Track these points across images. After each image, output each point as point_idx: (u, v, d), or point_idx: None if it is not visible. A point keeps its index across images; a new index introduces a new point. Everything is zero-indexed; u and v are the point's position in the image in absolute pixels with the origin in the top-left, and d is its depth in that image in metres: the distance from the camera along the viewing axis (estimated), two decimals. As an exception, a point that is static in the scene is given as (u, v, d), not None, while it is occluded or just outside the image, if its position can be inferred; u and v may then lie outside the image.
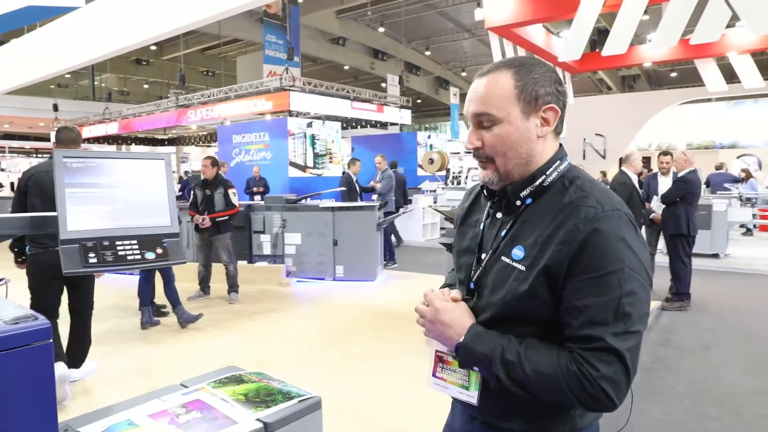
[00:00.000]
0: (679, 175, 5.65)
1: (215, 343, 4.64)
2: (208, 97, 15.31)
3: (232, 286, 6.06)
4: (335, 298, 6.09)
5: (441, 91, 31.04)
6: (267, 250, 7.19)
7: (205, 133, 23.80)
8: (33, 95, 21.17)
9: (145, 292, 5.07)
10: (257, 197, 10.65)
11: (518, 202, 1.12)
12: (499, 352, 1.03)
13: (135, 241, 1.61)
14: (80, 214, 1.54)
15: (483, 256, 1.17)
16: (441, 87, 31.03)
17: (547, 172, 1.11)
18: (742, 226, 10.89)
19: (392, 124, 16.89)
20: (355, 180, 8.08)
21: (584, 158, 18.97)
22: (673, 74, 24.43)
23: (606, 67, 18.36)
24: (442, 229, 11.72)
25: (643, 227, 6.34)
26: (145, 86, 29.56)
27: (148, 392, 2.07)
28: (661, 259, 6.71)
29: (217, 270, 6.21)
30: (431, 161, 13.80)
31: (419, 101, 31.25)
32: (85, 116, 21.37)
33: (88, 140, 21.47)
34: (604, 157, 19.11)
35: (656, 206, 5.98)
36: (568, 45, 8.69)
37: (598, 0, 8.11)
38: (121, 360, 4.24)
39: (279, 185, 11.91)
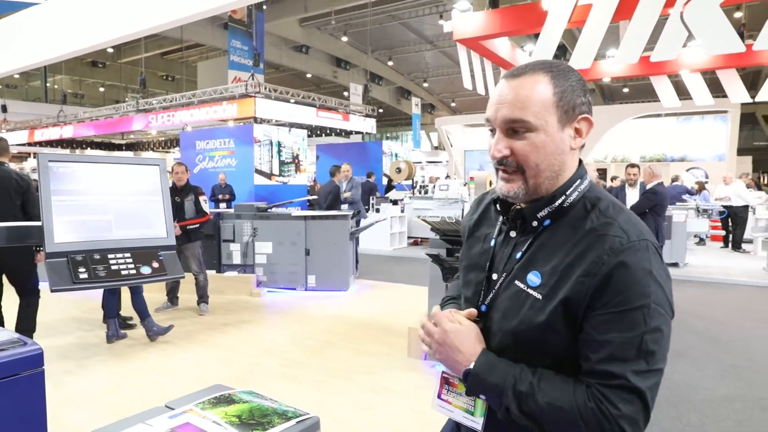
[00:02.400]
0: (648, 186, 5.81)
1: (188, 358, 4.44)
2: (171, 101, 14.92)
3: (202, 297, 5.84)
4: (309, 309, 5.95)
5: (403, 101, 31.28)
6: (237, 259, 6.99)
7: (164, 138, 23.19)
8: (-24, 95, 20.24)
9: (111, 303, 4.81)
10: (222, 205, 10.42)
11: (535, 223, 1.05)
12: (511, 382, 0.97)
13: (129, 254, 1.50)
14: (68, 224, 1.42)
15: (495, 276, 1.09)
16: (403, 97, 31.29)
17: (567, 192, 1.03)
18: (696, 236, 11.32)
19: (357, 132, 16.86)
20: (344, 189, 7.99)
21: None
22: (626, 90, 25.40)
23: (567, 81, 18.89)
24: (409, 238, 11.72)
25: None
26: (101, 89, 28.65)
27: (129, 415, 1.93)
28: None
29: (186, 280, 5.98)
30: (399, 170, 13.81)
31: (381, 110, 31.39)
32: (36, 118, 20.49)
33: (40, 143, 20.59)
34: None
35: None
36: (534, 59, 8.86)
37: (564, 16, 8.33)
38: (88, 378, 3.99)
39: (244, 193, 11.68)
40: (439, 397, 1.14)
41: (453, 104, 33.14)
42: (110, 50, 23.20)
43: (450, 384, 1.12)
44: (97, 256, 1.44)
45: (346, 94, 20.25)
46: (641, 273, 0.93)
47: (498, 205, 1.12)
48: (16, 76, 22.01)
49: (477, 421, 1.07)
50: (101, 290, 5.14)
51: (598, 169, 19.00)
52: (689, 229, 9.36)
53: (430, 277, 4.06)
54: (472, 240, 1.21)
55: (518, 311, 1.01)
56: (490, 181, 10.20)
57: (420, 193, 13.33)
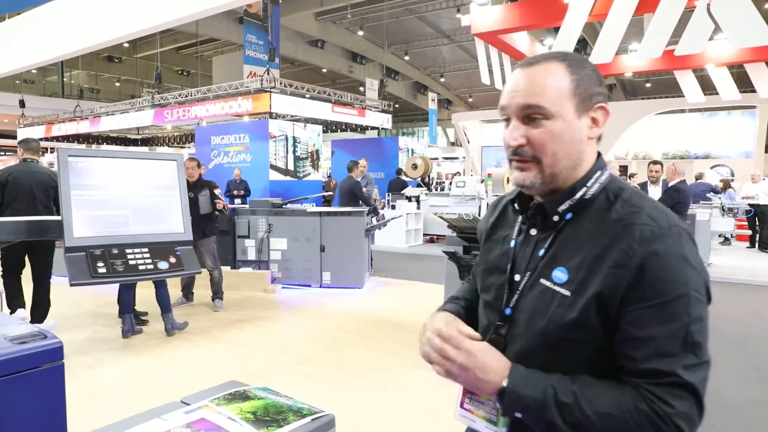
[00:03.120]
0: (670, 184, 5.70)
1: (203, 354, 4.44)
2: (186, 96, 14.98)
3: (217, 293, 5.85)
4: (323, 306, 5.93)
5: (419, 96, 31.16)
6: (252, 255, 6.99)
7: (179, 133, 23.34)
8: (-4, 90, 20.51)
9: (127, 299, 4.83)
10: (238, 200, 10.44)
11: (556, 218, 1.01)
12: (551, 393, 0.90)
13: (146, 250, 1.47)
14: (87, 218, 1.40)
15: (517, 277, 1.04)
16: (419, 92, 31.17)
17: (588, 184, 0.99)
18: (720, 235, 11.11)
19: (372, 128, 16.81)
20: (364, 186, 7.96)
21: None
22: (648, 84, 25.02)
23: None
24: (425, 235, 11.67)
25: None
26: (117, 84, 28.93)
27: (145, 410, 1.91)
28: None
29: (201, 275, 5.99)
30: (414, 167, 13.74)
31: (397, 106, 31.31)
32: (54, 113, 20.71)
33: (57, 138, 20.83)
34: (581, 165, 19.39)
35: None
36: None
37: (584, 9, 8.19)
38: (104, 372, 4.01)
39: (259, 188, 11.69)
40: (461, 406, 1.08)
41: (470, 99, 32.95)
42: (126, 45, 23.44)
43: (473, 393, 1.06)
44: (115, 251, 1.42)
45: (362, 89, 20.20)
46: (676, 260, 0.89)
47: (516, 204, 1.09)
48: (34, 71, 22.25)
49: (500, 431, 1.02)
50: (117, 285, 5.18)
51: (620, 167, 18.71)
52: (713, 228, 9.17)
53: (446, 274, 4.01)
54: (491, 243, 1.17)
55: (546, 310, 0.96)
56: (508, 178, 10.10)
57: (437, 189, 13.26)
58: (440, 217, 3.91)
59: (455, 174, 17.95)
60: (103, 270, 1.36)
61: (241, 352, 4.46)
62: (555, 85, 0.97)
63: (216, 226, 5.89)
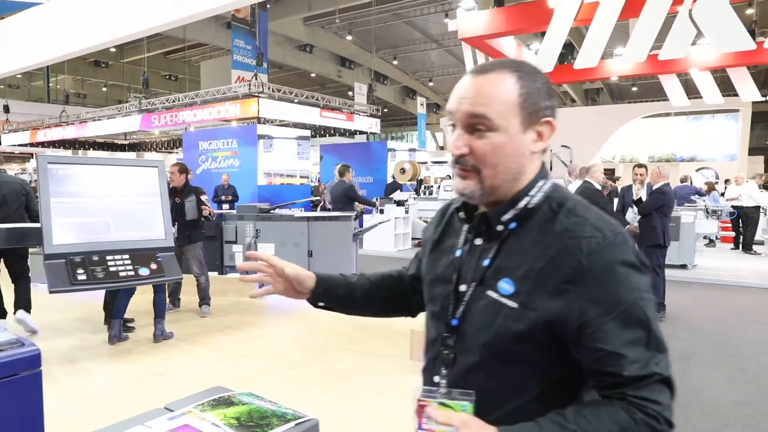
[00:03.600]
0: (655, 187, 5.76)
1: (189, 360, 4.42)
2: (173, 101, 14.92)
3: (204, 299, 5.81)
4: (310, 311, 5.80)
5: (408, 101, 31.26)
6: (239, 260, 6.97)
7: (167, 138, 23.22)
8: (-20, 95, 20.29)
9: (123, 304, 4.76)
10: (225, 206, 10.40)
11: (500, 227, 1.00)
12: None
13: (127, 256, 1.48)
14: (67, 226, 1.40)
15: (463, 287, 1.03)
16: (408, 96, 31.26)
17: (531, 193, 0.99)
18: (705, 237, 11.23)
19: (361, 132, 16.83)
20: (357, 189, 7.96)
21: (551, 169, 19.37)
22: (635, 88, 25.30)
23: (574, 80, 18.83)
24: (413, 239, 11.69)
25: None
26: (104, 89, 28.72)
27: (129, 417, 1.90)
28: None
29: (188, 281, 5.96)
30: (403, 171, 13.77)
31: (386, 110, 31.38)
32: (39, 119, 20.52)
33: (43, 144, 20.63)
34: (569, 168, 19.54)
35: (631, 218, 6.08)
36: (540, 57, 8.81)
37: (570, 14, 8.28)
38: (88, 379, 3.96)
39: (248, 194, 11.66)
40: (420, 428, 1.02)
41: (458, 104, 33.08)
42: (113, 50, 23.25)
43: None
44: (95, 258, 1.42)
45: (350, 93, 20.24)
46: (625, 268, 0.90)
47: (462, 214, 1.07)
48: (19, 76, 22.04)
49: None
50: (102, 292, 5.14)
51: (605, 170, 18.91)
52: (698, 231, 9.27)
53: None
54: (437, 252, 1.14)
55: (493, 322, 0.96)
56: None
57: (425, 193, 13.29)
58: (426, 221, 3.92)
59: (444, 178, 18.01)
60: (83, 277, 1.36)
61: (228, 358, 4.44)
62: (503, 96, 0.96)
63: (202, 232, 5.87)
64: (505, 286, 0.95)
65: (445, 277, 1.07)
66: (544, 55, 8.61)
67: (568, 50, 15.38)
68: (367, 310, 1.38)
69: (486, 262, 1.00)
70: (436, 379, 1.06)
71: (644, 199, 5.90)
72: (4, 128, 20.93)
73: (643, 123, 20.97)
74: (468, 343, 1.00)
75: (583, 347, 0.90)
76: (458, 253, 1.06)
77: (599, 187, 5.90)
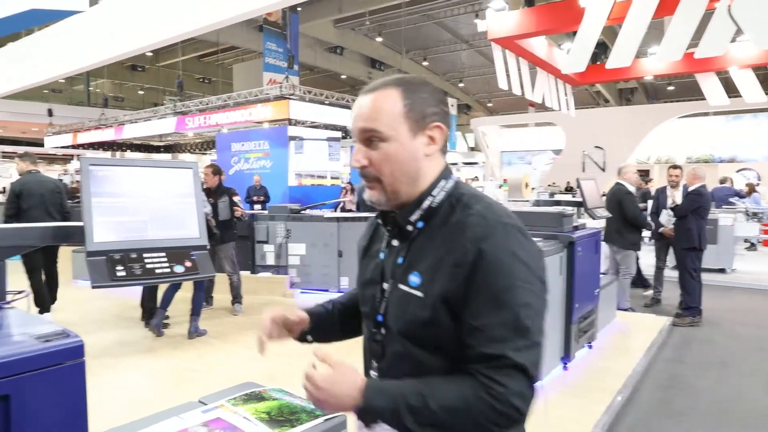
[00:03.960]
0: (691, 189, 5.63)
1: (222, 356, 4.54)
2: (207, 104, 15.24)
3: (236, 297, 5.95)
4: (340, 310, 5.96)
5: (438, 102, 31.12)
6: (270, 260, 7.09)
7: (201, 140, 23.70)
8: (27, 100, 21.02)
9: (170, 295, 5.02)
10: (257, 206, 10.57)
11: (409, 227, 1.09)
12: (402, 401, 0.96)
13: (163, 254, 1.53)
14: (107, 224, 1.46)
15: (385, 286, 1.12)
16: (438, 97, 31.14)
17: (433, 193, 1.08)
18: (746, 240, 10.90)
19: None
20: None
21: (583, 170, 19.04)
22: (671, 87, 24.67)
23: (607, 80, 18.48)
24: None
25: (653, 241, 6.34)
26: (140, 92, 29.49)
27: (165, 409, 1.98)
28: (669, 273, 6.68)
29: (220, 280, 6.10)
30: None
31: (416, 111, 31.37)
32: (80, 122, 21.21)
33: (83, 146, 21.31)
34: (603, 169, 19.18)
35: (666, 220, 5.96)
36: (571, 57, 8.70)
37: (602, 13, 8.15)
38: (127, 373, 4.12)
39: (279, 194, 11.82)
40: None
41: (490, 104, 32.86)
42: (149, 54, 23.88)
43: None
44: (133, 255, 1.47)
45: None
46: (504, 254, 0.97)
47: (379, 219, 1.17)
48: (62, 80, 22.80)
49: None
50: (139, 289, 5.34)
51: (639, 171, 18.45)
52: (738, 234, 8.99)
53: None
54: (367, 259, 1.24)
55: (405, 312, 1.05)
56: (526, 183, 10.06)
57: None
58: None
59: (473, 179, 17.91)
60: (122, 273, 1.42)
61: (259, 355, 4.52)
62: (389, 110, 1.05)
63: (234, 232, 5.99)
64: (414, 278, 1.04)
65: (373, 279, 1.17)
66: (575, 56, 8.50)
67: (601, 49, 15.12)
68: (347, 335, 1.48)
69: (400, 260, 1.09)
70: (372, 373, 1.16)
71: (679, 201, 5.78)
72: (47, 131, 21.70)
73: (679, 123, 20.42)
74: (391, 334, 1.10)
75: (460, 322, 0.98)
76: (381, 255, 1.16)
77: (631, 189, 5.80)
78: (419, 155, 1.07)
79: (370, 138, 1.07)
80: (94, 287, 1.46)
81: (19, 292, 1.49)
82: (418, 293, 1.03)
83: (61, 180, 5.93)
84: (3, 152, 27.03)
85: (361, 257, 1.27)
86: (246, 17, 7.97)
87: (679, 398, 3.74)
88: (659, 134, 19.92)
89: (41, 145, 23.18)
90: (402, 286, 1.06)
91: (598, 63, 12.41)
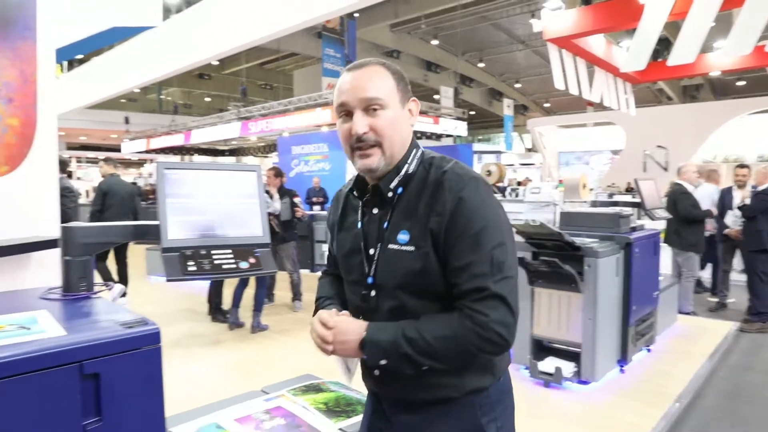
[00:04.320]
0: (760, 188, 5.37)
1: (283, 350, 4.74)
2: (269, 109, 15.73)
3: (296, 295, 6.17)
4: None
5: (495, 103, 30.77)
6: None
7: (263, 144, 24.43)
8: (106, 109, 22.36)
9: (240, 293, 5.32)
10: (317, 207, 10.81)
11: (390, 194, 1.22)
12: (401, 333, 1.12)
13: (230, 251, 1.66)
14: (179, 223, 1.60)
15: (371, 251, 1.24)
16: (494, 98, 30.77)
17: (408, 161, 1.22)
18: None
19: (447, 135, 16.84)
20: None
21: (644, 170, 18.31)
22: (741, 83, 23.33)
23: (670, 77, 17.74)
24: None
25: (719, 243, 6.06)
26: (207, 99, 30.67)
27: (230, 397, 2.14)
28: (736, 277, 6.38)
29: (281, 278, 6.33)
30: (489, 173, 13.63)
31: (472, 113, 31.07)
32: (152, 128, 22.34)
33: (155, 150, 22.45)
34: (666, 169, 18.38)
35: (732, 221, 5.71)
36: (631, 55, 8.45)
37: (663, 9, 7.87)
38: (195, 363, 4.40)
39: (336, 196, 12.04)
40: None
41: (547, 105, 32.15)
42: (215, 63, 24.82)
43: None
44: (203, 252, 1.59)
45: (436, 97, 20.29)
46: (477, 202, 1.12)
47: (355, 193, 1.30)
48: (137, 90, 24.11)
49: None
50: (207, 286, 5.72)
51: (710, 170, 17.49)
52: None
53: (515, 279, 4.03)
54: (343, 232, 1.36)
55: (399, 266, 1.18)
56: (584, 184, 9.80)
57: (512, 195, 13.07)
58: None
59: (525, 180, 17.59)
60: (193, 268, 1.53)
61: (317, 350, 4.68)
62: (385, 82, 1.20)
63: (295, 231, 6.20)
64: (403, 236, 1.18)
65: (355, 248, 1.29)
66: (634, 53, 8.26)
67: (663, 46, 14.54)
68: None
69: (385, 225, 1.22)
70: None
71: (747, 201, 5.52)
72: (124, 137, 22.99)
73: (750, 120, 19.26)
74: (384, 292, 1.23)
75: (446, 265, 1.13)
76: (359, 225, 1.29)
77: (691, 188, 5.60)
78: (406, 124, 1.24)
79: (371, 107, 1.19)
80: (168, 280, 1.61)
81: (105, 284, 1.65)
82: (409, 248, 1.16)
83: (135, 183, 6.46)
84: (86, 158, 28.85)
85: (337, 232, 1.39)
86: (306, 25, 8.24)
87: (746, 407, 3.60)
88: (727, 132, 18.88)
89: (119, 150, 24.57)
90: (392, 246, 1.19)
91: (660, 60, 11.96)
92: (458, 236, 1.11)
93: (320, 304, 1.44)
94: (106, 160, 6.45)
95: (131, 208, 6.15)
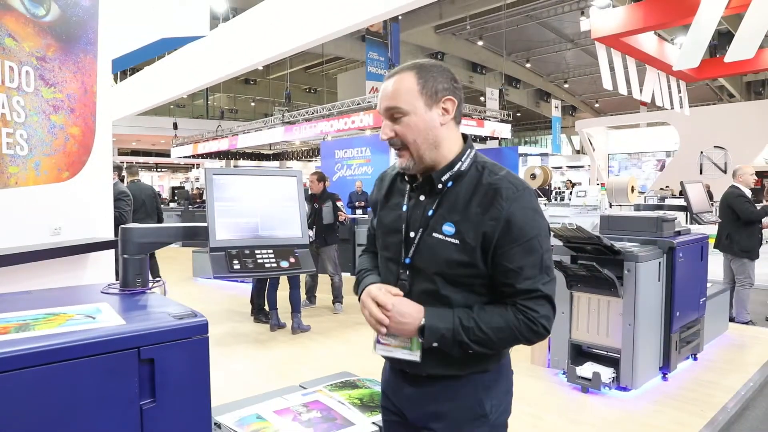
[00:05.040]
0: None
1: (323, 351, 4.86)
2: (313, 113, 16.00)
3: (337, 297, 6.29)
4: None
5: (542, 104, 30.29)
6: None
7: (307, 148, 24.84)
8: (156, 115, 23.25)
9: (273, 296, 5.48)
10: (359, 211, 10.94)
11: (440, 186, 1.31)
12: (458, 322, 1.24)
13: (271, 251, 1.76)
14: (225, 225, 1.72)
15: (411, 234, 1.34)
16: (542, 99, 30.30)
17: (462, 159, 1.32)
18: None
19: (493, 138, 16.72)
20: None
21: (701, 172, 17.63)
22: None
23: (728, 74, 17.00)
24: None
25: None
26: (252, 104, 31.42)
27: (270, 390, 2.25)
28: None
29: (323, 281, 6.47)
30: (533, 176, 13.47)
31: (519, 114, 30.68)
32: (199, 133, 23.07)
33: (202, 155, 23.16)
34: (724, 171, 17.64)
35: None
36: (683, 53, 8.21)
37: (719, 2, 7.60)
38: (238, 361, 4.57)
39: (379, 199, 12.15)
40: (379, 342, 1.36)
41: (596, 105, 31.40)
42: (260, 68, 25.43)
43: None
44: (246, 251, 1.69)
45: (482, 99, 20.17)
46: (531, 212, 1.25)
47: (406, 178, 1.39)
48: (185, 96, 24.99)
49: (415, 354, 1.30)
50: (250, 287, 5.88)
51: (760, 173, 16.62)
52: None
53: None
54: (386, 210, 1.45)
55: (441, 256, 1.28)
56: (632, 187, 9.58)
57: (557, 199, 12.89)
58: (554, 231, 3.89)
59: (569, 183, 17.25)
60: (237, 267, 1.64)
61: (357, 351, 4.79)
62: (407, 89, 1.28)
63: (337, 235, 6.33)
64: (448, 228, 1.28)
65: (396, 228, 1.38)
66: (687, 51, 8.02)
67: (724, 40, 13.99)
68: None
69: (430, 212, 1.32)
70: None
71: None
72: (173, 142, 23.83)
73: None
74: (420, 275, 1.32)
75: (494, 264, 1.25)
76: (404, 208, 1.38)
77: (746, 192, 5.38)
78: (435, 124, 1.30)
79: (393, 114, 1.30)
80: (215, 277, 1.73)
81: (157, 281, 1.77)
82: (454, 240, 1.27)
83: (151, 187, 7.04)
84: (137, 162, 30.12)
85: (380, 209, 1.48)
86: (350, 30, 8.38)
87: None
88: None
89: (168, 155, 25.47)
90: (436, 235, 1.30)
91: (719, 56, 11.53)
92: (512, 242, 1.23)
93: (361, 276, 1.52)
94: (128, 168, 6.94)
95: (154, 209, 6.56)
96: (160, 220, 6.75)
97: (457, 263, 1.26)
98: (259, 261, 1.72)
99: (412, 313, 1.27)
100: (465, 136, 1.39)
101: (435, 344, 1.26)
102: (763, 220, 5.47)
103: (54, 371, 1.04)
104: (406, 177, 1.40)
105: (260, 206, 1.78)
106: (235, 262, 1.67)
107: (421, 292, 1.32)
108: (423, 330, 1.25)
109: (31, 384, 1.02)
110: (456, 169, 1.32)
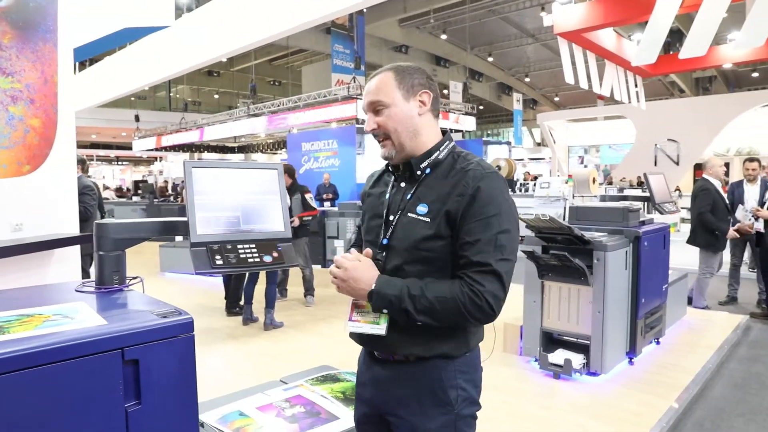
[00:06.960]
0: (771, 181, 5.36)
1: (296, 344, 4.83)
2: (278, 106, 15.81)
3: (308, 290, 6.26)
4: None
5: (504, 97, 30.70)
6: (340, 255, 7.35)
7: (272, 140, 24.54)
8: (116, 107, 22.54)
9: (250, 290, 5.44)
10: (327, 203, 10.90)
11: (419, 172, 1.43)
12: (406, 290, 1.31)
13: (254, 245, 1.73)
14: (206, 219, 1.67)
15: (391, 217, 1.44)
16: (504, 93, 30.70)
17: (440, 149, 1.44)
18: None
19: (457, 130, 16.86)
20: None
21: (656, 164, 18.22)
22: (755, 74, 23.12)
23: (681, 70, 17.63)
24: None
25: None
26: (216, 96, 30.83)
27: (250, 386, 2.22)
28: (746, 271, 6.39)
29: (294, 273, 6.43)
30: (498, 168, 13.65)
31: (481, 107, 31.00)
32: (162, 126, 22.51)
33: (165, 148, 22.61)
34: (677, 163, 18.30)
35: (742, 216, 5.70)
36: (641, 49, 8.45)
37: (675, 1, 7.85)
38: (212, 357, 4.50)
39: (347, 192, 12.14)
40: (350, 320, 1.43)
41: (556, 99, 32.02)
42: (224, 60, 24.94)
43: (359, 307, 1.43)
44: (229, 246, 1.66)
45: (446, 92, 20.33)
46: (494, 192, 1.33)
47: (390, 168, 1.52)
48: (146, 88, 24.31)
49: (381, 328, 1.37)
50: (221, 282, 5.80)
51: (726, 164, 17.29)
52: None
53: (525, 273, 4.07)
54: (371, 198, 1.58)
55: (413, 232, 1.38)
56: (594, 178, 9.83)
57: (521, 191, 13.11)
58: (519, 218, 3.97)
59: (528, 174, 17.60)
60: (220, 262, 1.60)
61: (330, 343, 4.79)
62: (386, 85, 1.42)
63: (307, 227, 6.28)
64: (422, 208, 1.38)
65: (378, 212, 1.50)
66: (645, 47, 8.26)
67: (675, 38, 14.46)
68: None
69: (408, 196, 1.43)
70: None
71: (756, 196, 5.52)
72: (135, 135, 23.18)
73: (765, 112, 19.09)
74: (394, 253, 1.42)
75: (457, 239, 1.33)
76: (387, 196, 1.50)
77: (717, 185, 5.48)
78: (414, 114, 1.42)
79: (376, 107, 1.43)
80: (197, 273, 1.69)
81: (135, 278, 1.72)
82: (426, 219, 1.37)
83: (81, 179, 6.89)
84: (97, 156, 29.15)
85: (366, 198, 1.62)
86: (316, 23, 8.29)
87: (754, 397, 3.65)
88: (741, 125, 18.74)
89: (129, 148, 24.74)
90: (410, 215, 1.40)
91: (672, 53, 11.91)
92: (473, 216, 1.31)
93: (348, 248, 1.64)
94: (80, 161, 6.83)
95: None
96: (102, 215, 6.48)
97: (425, 237, 1.35)
98: (242, 256, 1.68)
99: (364, 278, 1.36)
100: (444, 131, 1.49)
101: (385, 311, 1.34)
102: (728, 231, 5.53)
103: (33, 376, 1.00)
104: (390, 168, 1.52)
105: (241, 200, 1.75)
106: (218, 257, 1.63)
107: (394, 268, 1.40)
108: (371, 294, 1.34)
109: (9, 390, 0.97)
110: (434, 157, 1.43)
